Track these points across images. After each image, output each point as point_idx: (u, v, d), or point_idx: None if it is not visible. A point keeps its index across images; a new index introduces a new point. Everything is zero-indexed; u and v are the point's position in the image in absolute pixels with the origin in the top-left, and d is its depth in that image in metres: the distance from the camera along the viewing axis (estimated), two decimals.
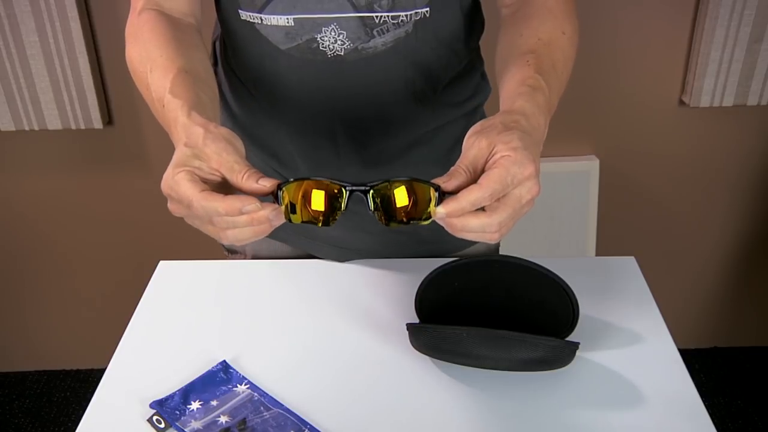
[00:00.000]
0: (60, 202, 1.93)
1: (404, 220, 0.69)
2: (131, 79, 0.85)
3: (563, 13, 0.86)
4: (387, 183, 0.68)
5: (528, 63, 0.79)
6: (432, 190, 0.67)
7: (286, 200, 0.68)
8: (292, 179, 0.69)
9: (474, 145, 0.69)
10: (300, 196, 0.69)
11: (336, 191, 0.69)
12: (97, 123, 1.78)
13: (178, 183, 0.68)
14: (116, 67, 1.77)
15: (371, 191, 0.69)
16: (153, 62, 0.80)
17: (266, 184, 0.68)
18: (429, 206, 0.67)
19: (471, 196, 0.65)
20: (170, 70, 0.78)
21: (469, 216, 0.66)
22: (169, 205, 0.70)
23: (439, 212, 0.66)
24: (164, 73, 0.78)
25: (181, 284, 1.02)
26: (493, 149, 0.67)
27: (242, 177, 0.68)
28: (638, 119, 1.85)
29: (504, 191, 0.66)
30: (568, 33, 0.85)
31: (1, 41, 1.68)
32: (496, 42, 0.89)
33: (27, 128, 1.79)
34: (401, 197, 0.68)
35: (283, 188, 0.68)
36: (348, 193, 0.69)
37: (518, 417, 0.80)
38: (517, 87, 0.76)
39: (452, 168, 0.69)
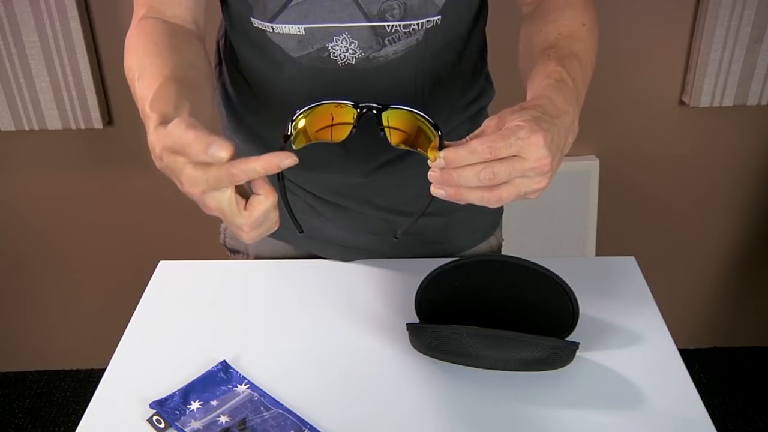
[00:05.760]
0: (60, 202, 1.93)
1: (409, 149, 0.71)
2: None
3: (582, 5, 0.86)
4: (400, 110, 0.69)
5: (549, 57, 0.78)
6: (434, 133, 0.67)
7: (297, 128, 0.68)
8: (305, 107, 0.68)
9: (485, 122, 0.68)
10: (309, 120, 0.69)
11: (347, 109, 0.69)
12: (97, 123, 1.78)
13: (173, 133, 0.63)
14: (116, 67, 1.77)
15: (385, 111, 0.69)
16: (142, 70, 0.78)
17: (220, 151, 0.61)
18: (428, 149, 0.67)
19: (470, 145, 0.64)
20: (156, 78, 0.75)
21: (466, 167, 0.65)
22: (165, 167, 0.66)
23: (438, 157, 0.65)
24: (150, 82, 0.75)
25: (181, 284, 1.02)
26: (503, 125, 0.66)
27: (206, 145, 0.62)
28: (638, 119, 1.85)
29: (506, 150, 0.64)
30: (588, 24, 0.85)
31: (1, 41, 1.68)
32: (517, 41, 0.89)
33: (27, 128, 1.79)
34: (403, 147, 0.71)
35: (296, 117, 0.68)
36: (360, 110, 0.69)
37: (518, 417, 0.80)
38: (542, 81, 0.75)
39: None
